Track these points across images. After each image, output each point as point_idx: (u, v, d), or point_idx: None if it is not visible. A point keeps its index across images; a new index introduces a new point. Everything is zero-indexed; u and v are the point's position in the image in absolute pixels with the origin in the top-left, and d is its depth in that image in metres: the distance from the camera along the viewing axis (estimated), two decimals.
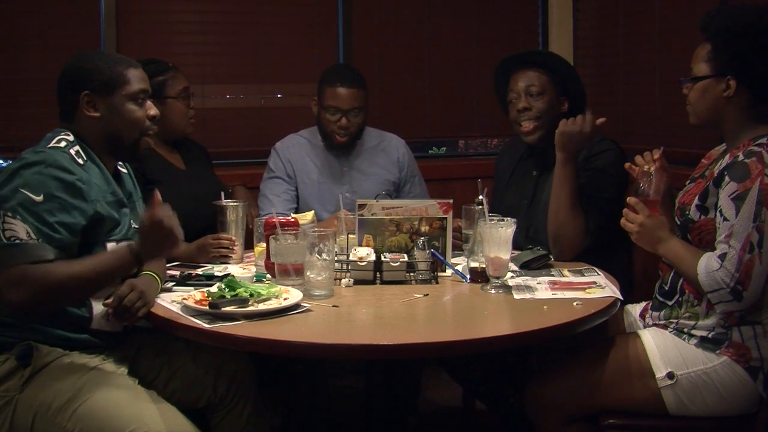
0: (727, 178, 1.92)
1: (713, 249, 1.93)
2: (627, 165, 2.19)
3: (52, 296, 1.81)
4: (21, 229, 1.79)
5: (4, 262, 1.78)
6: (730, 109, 2.01)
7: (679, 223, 2.07)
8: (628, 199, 2.12)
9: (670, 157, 3.13)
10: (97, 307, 1.96)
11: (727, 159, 1.99)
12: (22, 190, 1.81)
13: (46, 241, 1.80)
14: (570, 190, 2.43)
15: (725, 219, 1.90)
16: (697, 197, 2.01)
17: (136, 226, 2.05)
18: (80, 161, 1.93)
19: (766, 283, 1.93)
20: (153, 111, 2.06)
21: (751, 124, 2.00)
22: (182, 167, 2.75)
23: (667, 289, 2.08)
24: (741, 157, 1.93)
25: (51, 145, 1.92)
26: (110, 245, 1.95)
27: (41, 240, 1.79)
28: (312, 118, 3.06)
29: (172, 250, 1.95)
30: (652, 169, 2.14)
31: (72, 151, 1.93)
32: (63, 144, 1.93)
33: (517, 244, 2.31)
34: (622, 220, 2.11)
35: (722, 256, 1.88)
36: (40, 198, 1.81)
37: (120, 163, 2.14)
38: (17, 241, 1.78)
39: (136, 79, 2.03)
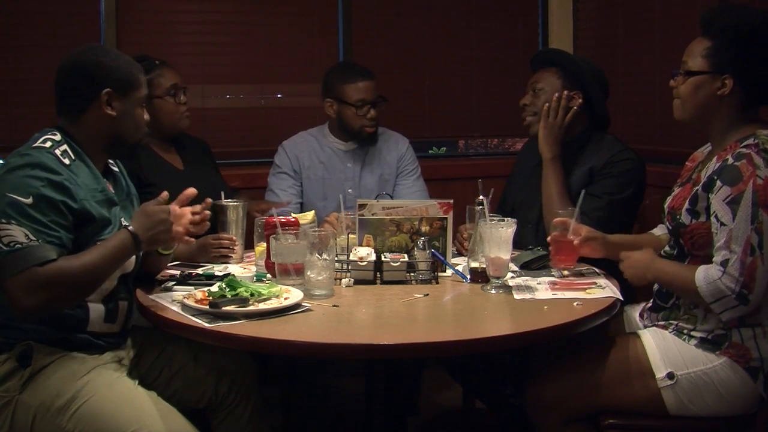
0: (719, 183, 1.92)
1: (708, 254, 1.93)
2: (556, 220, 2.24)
3: (69, 292, 1.81)
4: (19, 234, 1.77)
5: (10, 268, 1.75)
6: (721, 108, 2.01)
7: (670, 227, 2.07)
8: (549, 238, 2.22)
9: (670, 157, 3.15)
10: (94, 309, 1.95)
11: (714, 162, 1.99)
12: (10, 195, 1.79)
13: (45, 241, 1.79)
14: (559, 187, 2.50)
15: (723, 224, 1.89)
16: (687, 201, 2.01)
17: (127, 224, 2.03)
18: (66, 161, 1.91)
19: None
20: (146, 116, 2.10)
21: (739, 124, 2.00)
22: (180, 167, 2.73)
23: (664, 291, 2.09)
24: (731, 161, 1.92)
25: (36, 145, 1.91)
26: (109, 237, 1.93)
27: (41, 241, 1.78)
28: (313, 118, 3.07)
29: (168, 236, 1.98)
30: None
31: (57, 152, 1.91)
32: (48, 144, 1.91)
33: (526, 241, 2.32)
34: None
35: (724, 263, 1.86)
36: (29, 200, 1.80)
37: (111, 161, 2.13)
38: (18, 246, 1.76)
39: (144, 84, 2.07)
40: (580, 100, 2.59)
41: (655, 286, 2.13)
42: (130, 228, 1.91)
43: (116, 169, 2.16)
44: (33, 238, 1.78)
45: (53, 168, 1.86)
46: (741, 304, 1.87)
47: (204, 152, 2.90)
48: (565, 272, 2.26)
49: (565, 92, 2.57)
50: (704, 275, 1.89)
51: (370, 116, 2.95)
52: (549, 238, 2.25)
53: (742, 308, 1.88)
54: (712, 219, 1.92)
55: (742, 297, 1.86)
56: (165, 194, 2.02)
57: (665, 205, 2.12)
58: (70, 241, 1.85)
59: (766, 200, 1.86)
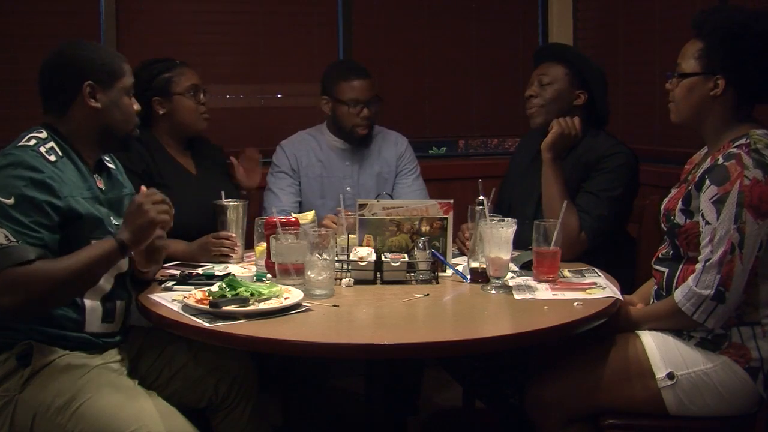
0: (707, 182, 1.93)
1: (699, 253, 1.95)
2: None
3: (47, 294, 1.79)
4: None
5: None
6: (714, 109, 2.02)
7: (665, 228, 2.08)
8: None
9: (670, 157, 3.15)
10: (91, 309, 1.95)
11: (708, 162, 2.00)
12: None
13: (25, 242, 1.77)
14: (560, 187, 2.50)
15: (707, 222, 1.91)
16: (680, 201, 2.02)
17: (117, 223, 2.01)
18: (52, 158, 1.89)
19: (760, 283, 1.94)
20: (136, 106, 2.08)
21: (733, 124, 2.01)
22: (193, 171, 2.71)
23: (664, 293, 2.09)
24: (721, 161, 1.93)
25: (20, 144, 1.90)
26: (94, 243, 1.91)
27: (21, 242, 1.77)
28: (313, 118, 3.07)
29: (153, 234, 1.91)
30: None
31: (43, 149, 1.89)
32: (33, 142, 1.90)
33: (524, 237, 2.32)
34: None
35: (706, 261, 1.89)
36: (11, 201, 1.79)
37: (107, 158, 2.13)
38: None
39: (129, 72, 2.05)
40: (583, 97, 2.61)
41: (655, 287, 2.13)
42: (117, 235, 1.88)
43: (112, 166, 2.15)
44: (12, 239, 1.76)
45: (36, 166, 1.84)
46: (719, 302, 1.89)
47: (219, 159, 2.86)
48: (566, 272, 2.26)
49: (577, 118, 2.58)
50: (681, 290, 1.94)
51: (363, 115, 2.92)
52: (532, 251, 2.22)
53: (721, 308, 1.89)
54: (699, 217, 1.94)
55: (718, 294, 1.88)
56: (143, 188, 1.97)
57: (661, 207, 2.12)
58: (54, 242, 1.84)
59: (752, 201, 1.87)
